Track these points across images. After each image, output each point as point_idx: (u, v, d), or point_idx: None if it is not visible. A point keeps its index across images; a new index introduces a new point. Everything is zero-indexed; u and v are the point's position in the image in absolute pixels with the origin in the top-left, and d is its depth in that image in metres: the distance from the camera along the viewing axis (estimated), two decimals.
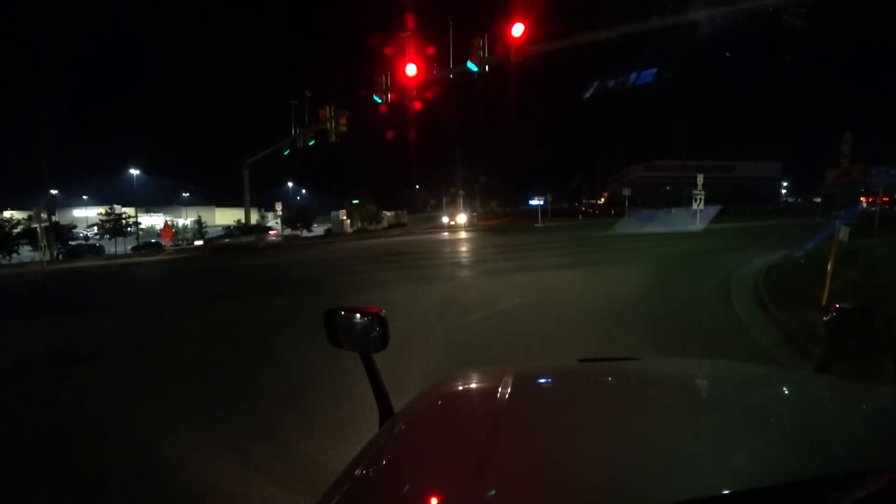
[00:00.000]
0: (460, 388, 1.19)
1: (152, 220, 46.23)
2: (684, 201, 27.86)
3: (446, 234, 29.01)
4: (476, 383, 1.23)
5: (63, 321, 7.81)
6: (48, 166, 27.37)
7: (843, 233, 5.23)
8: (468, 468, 0.68)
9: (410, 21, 16.07)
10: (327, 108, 22.75)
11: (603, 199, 56.11)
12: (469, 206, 46.74)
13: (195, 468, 2.69)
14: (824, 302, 4.98)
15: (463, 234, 26.88)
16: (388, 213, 45.37)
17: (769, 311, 5.59)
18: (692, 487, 0.60)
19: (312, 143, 25.07)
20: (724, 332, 5.08)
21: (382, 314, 1.20)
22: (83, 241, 32.60)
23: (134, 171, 41.53)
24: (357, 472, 0.78)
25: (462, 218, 37.63)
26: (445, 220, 38.44)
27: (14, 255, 24.92)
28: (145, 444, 3.03)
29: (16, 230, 25.35)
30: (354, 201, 42.24)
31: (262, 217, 56.36)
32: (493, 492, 0.63)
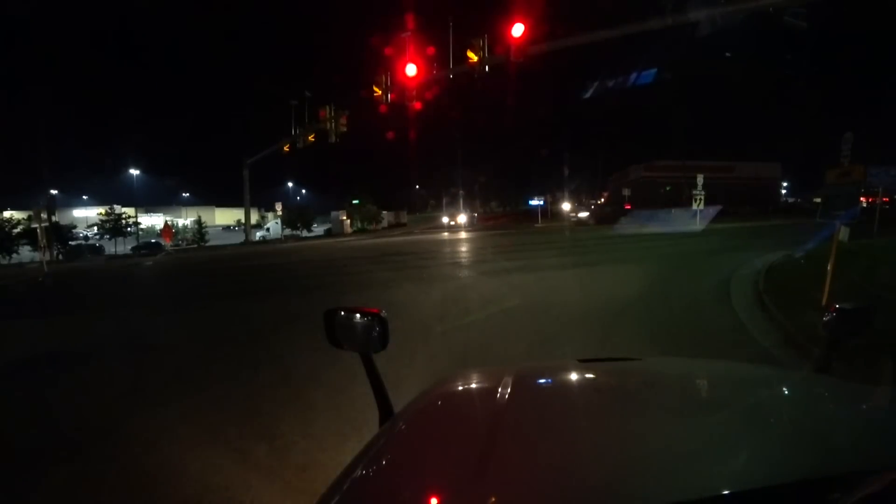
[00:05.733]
0: (460, 388, 1.19)
1: (152, 220, 46.32)
2: (684, 201, 27.84)
3: (446, 234, 29.02)
4: (476, 383, 1.23)
5: (62, 321, 7.81)
6: (48, 166, 27.47)
7: (843, 233, 5.23)
8: (468, 468, 0.68)
9: (410, 21, 16.07)
10: (327, 108, 22.77)
11: (603, 199, 56.03)
12: (469, 207, 46.77)
13: (195, 468, 2.69)
14: (824, 302, 4.98)
15: (463, 235, 26.89)
16: (388, 213, 45.40)
17: (769, 312, 5.58)
18: (692, 487, 0.60)
19: (312, 142, 25.07)
20: (723, 332, 5.07)
21: (382, 314, 1.20)
22: (83, 241, 32.62)
23: (134, 172, 41.60)
24: (357, 472, 0.78)
25: (462, 218, 37.64)
26: (445, 220, 38.45)
27: (14, 255, 24.93)
28: (145, 443, 3.04)
29: (16, 230, 25.38)
30: (354, 201, 42.28)
31: (262, 217, 56.45)
32: (493, 492, 0.63)
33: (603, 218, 32.19)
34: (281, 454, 2.81)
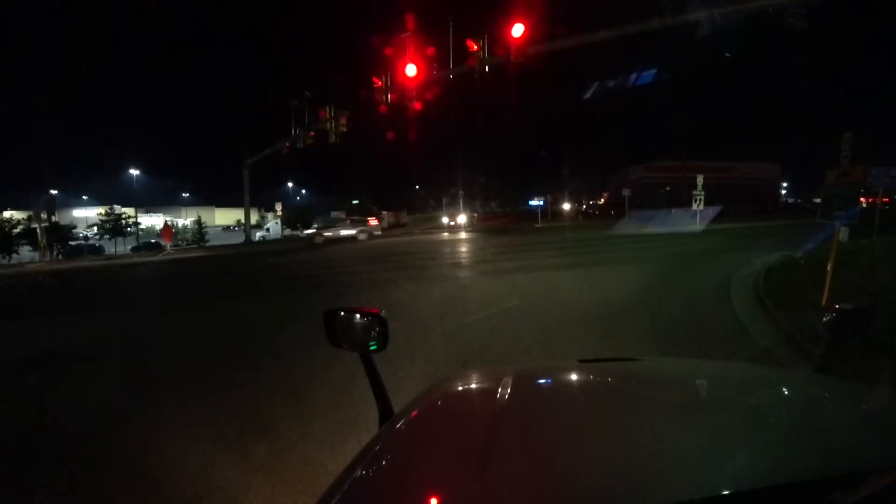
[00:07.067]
0: (460, 388, 1.19)
1: (152, 221, 46.32)
2: (684, 202, 27.84)
3: (446, 234, 28.99)
4: (476, 383, 1.23)
5: (62, 321, 7.80)
6: (48, 166, 27.48)
7: (843, 233, 5.23)
8: (468, 468, 0.68)
9: (410, 21, 16.06)
10: (327, 108, 22.75)
11: (603, 200, 56.05)
12: (469, 207, 46.70)
13: (195, 468, 2.69)
14: (824, 302, 4.98)
15: (463, 235, 26.87)
16: (388, 214, 45.40)
17: (769, 312, 5.59)
18: (692, 487, 0.60)
19: (312, 142, 25.05)
20: (723, 332, 5.08)
21: (382, 314, 1.20)
22: (83, 241, 32.63)
23: (134, 172, 41.62)
24: (357, 472, 0.78)
25: (462, 218, 37.56)
26: (445, 220, 38.37)
27: (14, 255, 24.92)
28: (145, 444, 3.04)
29: (16, 230, 25.34)
30: (354, 201, 42.31)
31: (262, 217, 56.46)
32: (493, 492, 0.63)
33: (373, 235, 23.61)
34: (281, 454, 2.81)
